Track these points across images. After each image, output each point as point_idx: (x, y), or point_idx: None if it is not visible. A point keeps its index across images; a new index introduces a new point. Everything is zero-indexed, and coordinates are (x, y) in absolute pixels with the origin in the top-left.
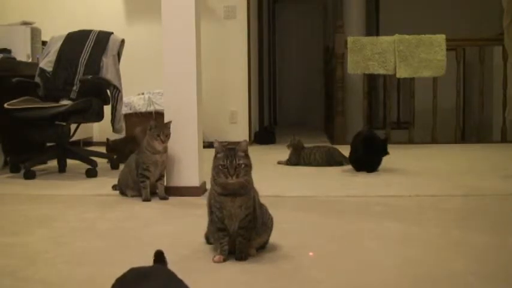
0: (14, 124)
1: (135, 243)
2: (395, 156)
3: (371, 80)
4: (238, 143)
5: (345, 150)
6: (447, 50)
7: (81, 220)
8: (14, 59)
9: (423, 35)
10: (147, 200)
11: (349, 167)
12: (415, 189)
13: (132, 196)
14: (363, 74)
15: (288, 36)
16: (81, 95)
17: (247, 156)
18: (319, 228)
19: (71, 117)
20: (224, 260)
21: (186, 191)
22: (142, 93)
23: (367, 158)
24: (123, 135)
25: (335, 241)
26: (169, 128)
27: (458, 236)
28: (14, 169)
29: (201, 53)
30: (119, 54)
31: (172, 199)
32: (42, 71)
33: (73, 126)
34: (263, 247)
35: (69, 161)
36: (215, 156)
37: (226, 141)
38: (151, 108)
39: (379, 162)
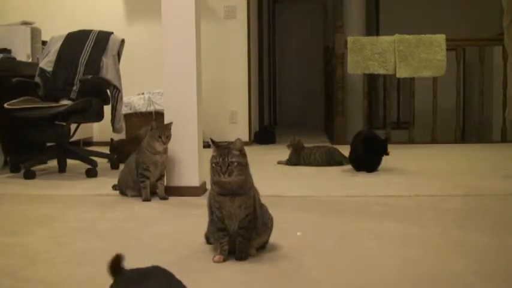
0: (14, 124)
1: (135, 243)
2: (395, 156)
3: (371, 80)
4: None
5: (345, 150)
6: (447, 50)
7: (81, 220)
8: (14, 59)
9: (423, 35)
10: (147, 200)
11: (349, 167)
12: (415, 189)
13: (132, 196)
14: (362, 74)
15: (288, 36)
16: (81, 95)
17: (242, 154)
18: (319, 228)
19: (71, 117)
20: (224, 260)
21: (186, 191)
22: (142, 93)
23: (367, 158)
24: (123, 135)
25: (335, 241)
26: (170, 129)
27: (458, 236)
28: (14, 169)
29: (201, 53)
30: (119, 54)
31: (172, 199)
32: (42, 71)
33: (73, 126)
34: (263, 247)
35: (69, 161)
36: (212, 155)
37: (226, 141)
38: (151, 108)
39: (379, 162)
